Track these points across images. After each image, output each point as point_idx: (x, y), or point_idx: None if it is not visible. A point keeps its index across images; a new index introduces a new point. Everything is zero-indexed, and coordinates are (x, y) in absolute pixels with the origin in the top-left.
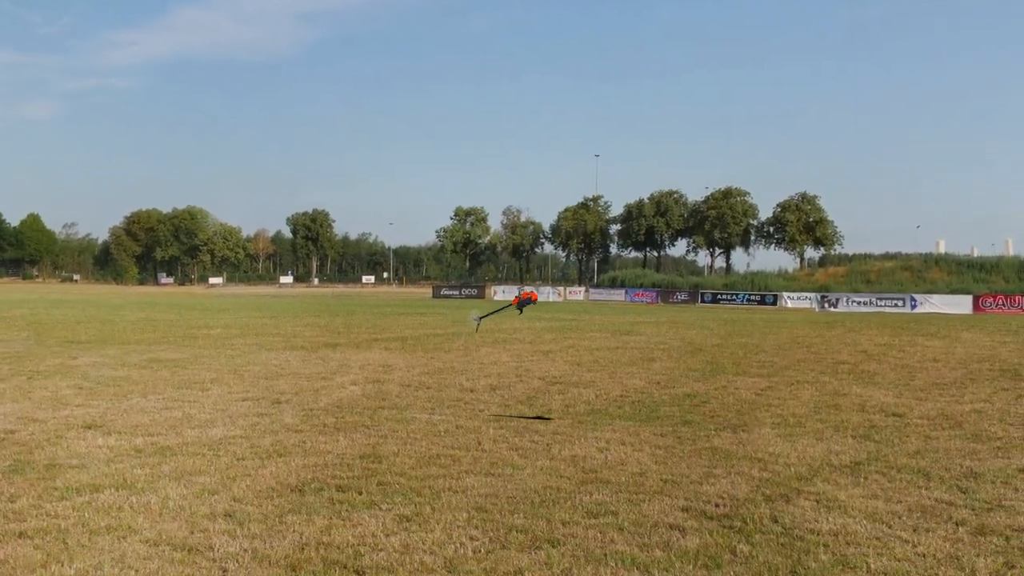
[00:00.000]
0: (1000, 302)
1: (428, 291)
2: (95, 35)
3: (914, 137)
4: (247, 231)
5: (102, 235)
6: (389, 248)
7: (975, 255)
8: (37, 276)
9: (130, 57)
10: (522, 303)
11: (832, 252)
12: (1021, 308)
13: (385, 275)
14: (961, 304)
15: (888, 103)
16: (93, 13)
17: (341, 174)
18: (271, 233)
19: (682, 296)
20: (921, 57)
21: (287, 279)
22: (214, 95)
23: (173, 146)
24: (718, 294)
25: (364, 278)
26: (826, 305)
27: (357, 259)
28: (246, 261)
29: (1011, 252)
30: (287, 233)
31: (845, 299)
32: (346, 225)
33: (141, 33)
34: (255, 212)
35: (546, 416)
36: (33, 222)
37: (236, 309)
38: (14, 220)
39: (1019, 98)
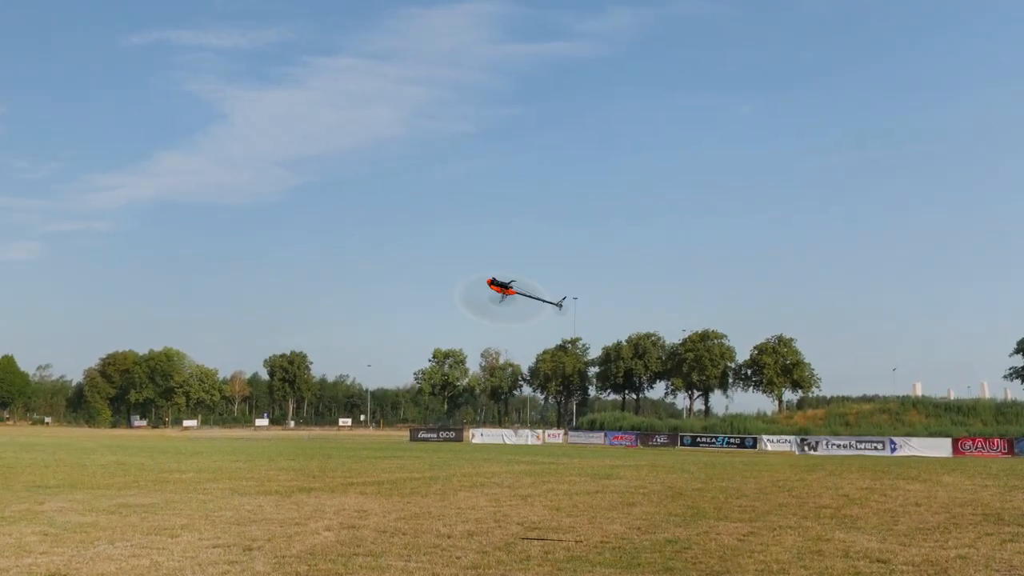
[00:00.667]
0: (979, 445)
1: (405, 434)
2: (79, 179)
3: (888, 281)
4: (224, 373)
5: (76, 377)
6: (367, 390)
7: (952, 398)
8: (8, 419)
9: (112, 201)
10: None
11: (810, 394)
12: (1000, 451)
13: (362, 417)
14: (940, 447)
15: (862, 248)
16: (79, 158)
17: (320, 317)
18: (248, 375)
19: (661, 439)
20: (893, 205)
21: (263, 422)
22: (195, 238)
23: (152, 288)
24: (697, 437)
25: (341, 420)
26: (806, 448)
27: (334, 401)
28: (222, 403)
29: (987, 395)
30: (264, 375)
31: (825, 442)
32: (324, 367)
33: (124, 177)
34: (232, 354)
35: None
36: (7, 364)
37: (210, 452)
38: None
39: (990, 245)
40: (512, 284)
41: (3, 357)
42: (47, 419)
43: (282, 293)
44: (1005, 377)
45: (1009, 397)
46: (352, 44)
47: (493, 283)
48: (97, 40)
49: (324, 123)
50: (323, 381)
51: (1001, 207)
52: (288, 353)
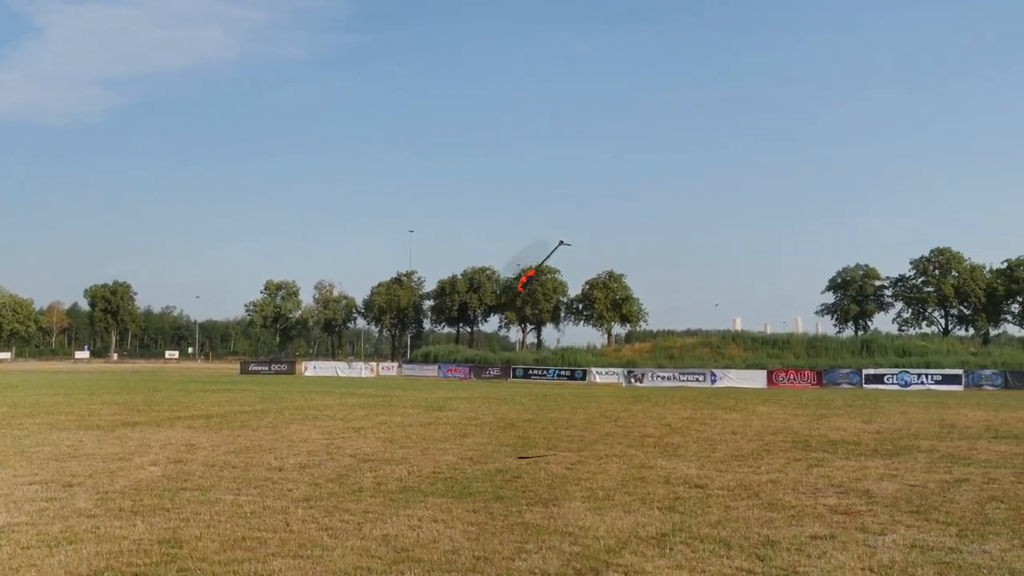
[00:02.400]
0: (791, 376)
1: (236, 367)
2: None
3: (713, 219)
4: (40, 303)
5: None
6: (195, 322)
7: (768, 332)
8: None
9: None
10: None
11: (638, 328)
12: (810, 382)
13: (190, 350)
14: (756, 379)
15: (687, 187)
16: None
17: (146, 245)
18: (67, 306)
19: (495, 371)
20: (719, 145)
21: (83, 354)
22: (5, 158)
23: None
24: (530, 369)
25: (167, 353)
26: (632, 380)
27: (160, 333)
28: (38, 335)
29: (800, 329)
30: (85, 306)
31: (650, 374)
32: (149, 298)
33: None
34: (50, 284)
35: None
36: None
37: (25, 386)
38: None
39: (808, 187)
40: (530, 267)
41: None
42: None
43: (104, 220)
44: (817, 313)
45: (820, 331)
46: None
47: (521, 280)
48: None
49: (149, 42)
50: (148, 313)
51: (821, 151)
52: (111, 283)
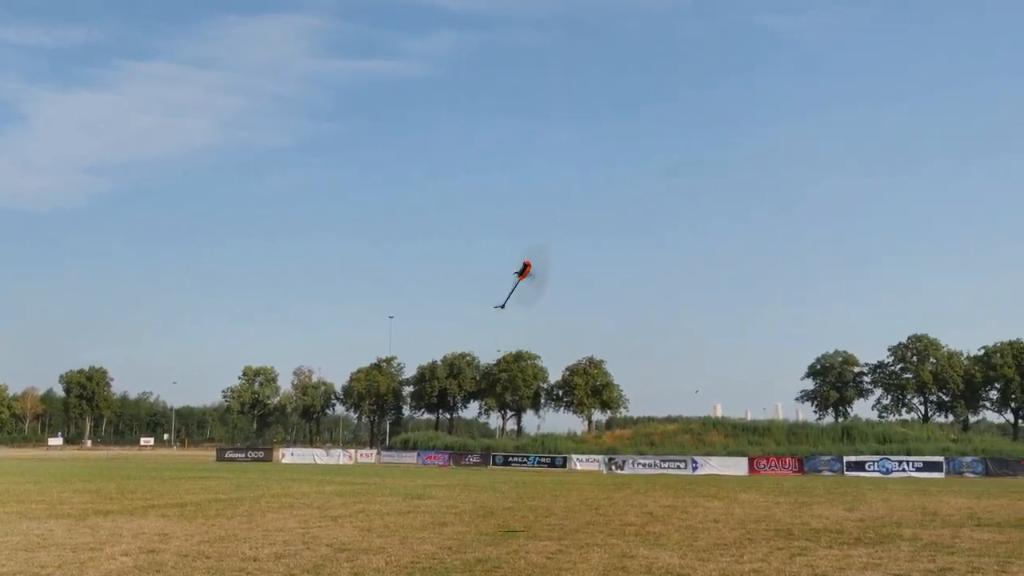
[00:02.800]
0: (773, 463)
1: (212, 454)
2: None
3: (692, 306)
4: (15, 389)
5: None
6: (171, 408)
7: (749, 418)
8: None
9: None
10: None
11: (618, 415)
12: (791, 469)
13: (166, 437)
14: (738, 466)
15: (669, 273)
16: None
17: (123, 331)
18: (41, 391)
19: (474, 458)
20: (697, 232)
21: (56, 440)
22: None
23: None
24: (509, 456)
25: (143, 440)
26: (613, 467)
27: (136, 420)
28: (11, 421)
29: (780, 416)
30: (60, 391)
31: (631, 461)
32: (126, 384)
33: None
34: (25, 369)
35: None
36: None
37: None
38: None
39: (784, 273)
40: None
41: None
42: None
43: (82, 305)
44: (797, 399)
45: (800, 418)
46: (167, 49)
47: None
48: None
49: (134, 129)
50: (124, 399)
51: (796, 237)
52: (87, 369)
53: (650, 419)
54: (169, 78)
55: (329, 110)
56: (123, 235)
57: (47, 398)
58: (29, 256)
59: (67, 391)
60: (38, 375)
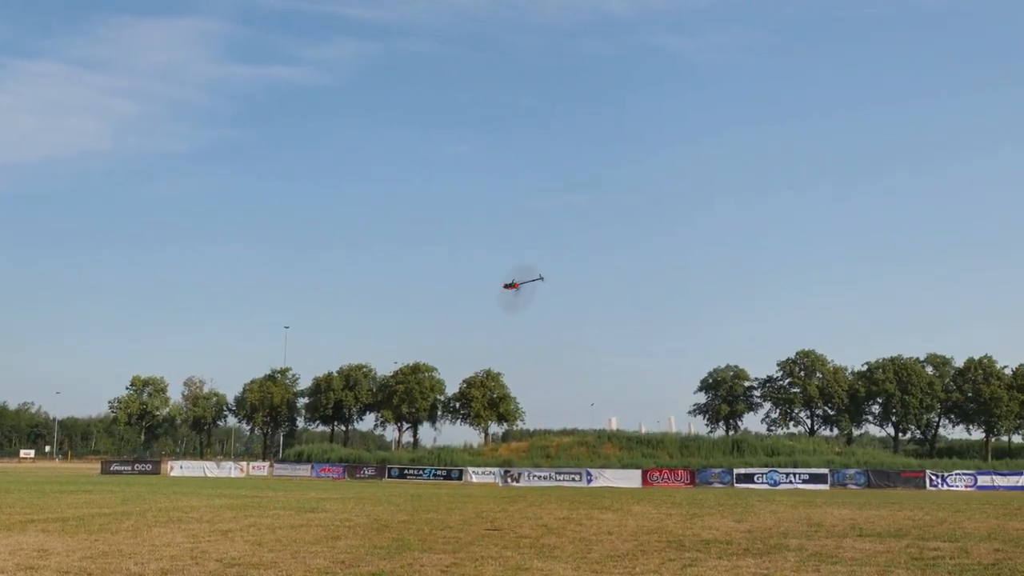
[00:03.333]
0: (665, 476)
1: (97, 466)
2: None
3: (589, 320)
4: None
5: None
6: (54, 419)
7: (643, 432)
8: None
9: None
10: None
11: (515, 427)
12: (683, 482)
13: (48, 449)
14: (631, 478)
15: (566, 287)
16: None
17: (3, 337)
18: None
19: (369, 471)
20: (596, 247)
21: None
22: None
23: None
24: (405, 469)
25: (23, 452)
26: (509, 480)
27: (15, 431)
28: None
29: (674, 429)
30: None
31: (527, 473)
32: (5, 393)
33: None
34: None
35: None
36: None
37: None
38: None
39: (679, 289)
40: (515, 279)
41: None
42: None
43: None
44: (690, 412)
45: (692, 431)
46: (56, 48)
47: (508, 286)
48: None
49: (20, 130)
50: (3, 409)
51: (691, 254)
52: None
53: (546, 432)
54: (57, 78)
55: (227, 116)
56: (6, 237)
57: None
58: None
59: None
60: None
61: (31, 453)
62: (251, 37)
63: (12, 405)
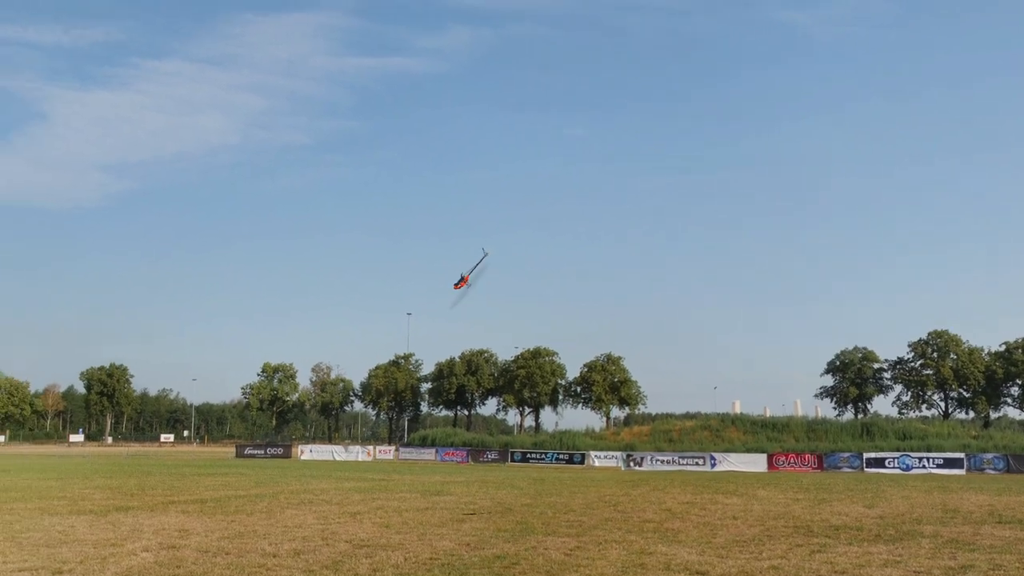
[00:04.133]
0: (791, 460)
1: (231, 450)
2: None
3: (711, 302)
4: (36, 386)
5: None
6: (191, 405)
7: (768, 415)
8: None
9: None
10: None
11: (636, 411)
12: (810, 466)
13: (186, 433)
14: (756, 462)
15: (686, 268)
16: None
17: (143, 328)
18: (63, 388)
19: (492, 455)
20: (716, 226)
21: (78, 437)
22: (6, 242)
23: None
24: (527, 453)
25: (163, 436)
26: (631, 464)
27: (156, 416)
28: (32, 418)
29: (799, 412)
30: (81, 388)
31: (649, 458)
32: (146, 380)
33: None
34: (46, 366)
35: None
36: None
37: (18, 470)
38: None
39: (803, 268)
40: (463, 273)
41: None
42: None
43: (102, 303)
44: (816, 396)
45: (819, 415)
46: (184, 48)
47: (457, 284)
48: None
49: (151, 128)
50: (144, 395)
51: (813, 233)
52: (107, 366)
53: (668, 416)
54: (185, 76)
55: (346, 108)
56: (141, 232)
57: (68, 395)
58: (47, 254)
59: (88, 388)
60: (59, 372)
61: (171, 437)
62: (368, 29)
63: (152, 392)
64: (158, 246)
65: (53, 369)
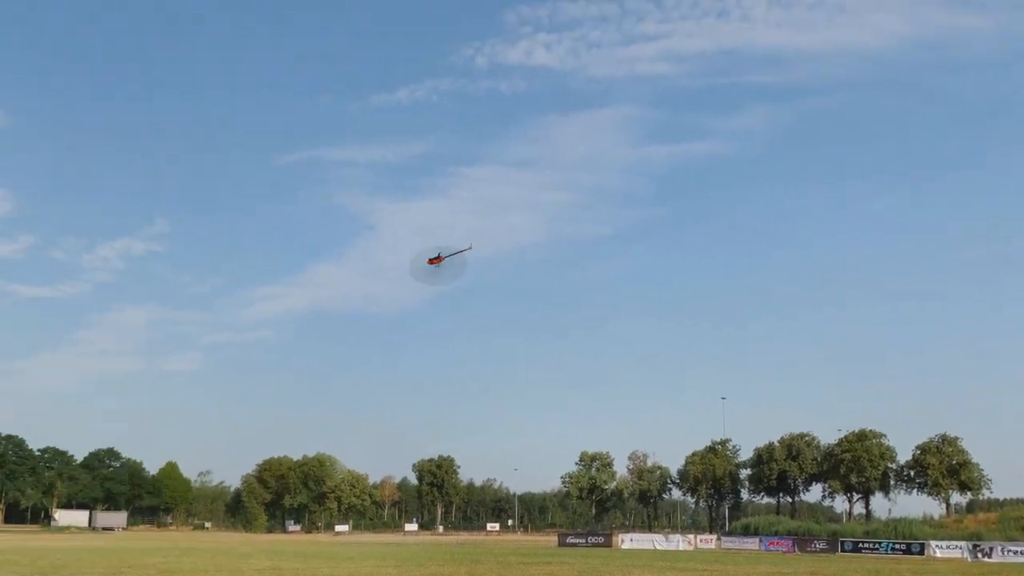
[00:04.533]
0: None
1: (553, 539)
2: (238, 292)
3: None
4: (374, 478)
5: (235, 482)
6: (514, 494)
7: None
8: (171, 523)
9: (268, 311)
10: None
11: (980, 496)
12: None
13: (510, 522)
14: None
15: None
16: (238, 271)
17: (466, 421)
18: (397, 480)
19: (820, 544)
20: None
21: (412, 526)
22: (344, 346)
23: (304, 395)
24: (859, 542)
25: (488, 525)
26: (979, 555)
27: (482, 506)
28: (372, 508)
29: None
30: (413, 480)
31: (1000, 548)
32: (471, 471)
33: (279, 288)
34: (381, 459)
35: None
36: (171, 470)
37: (361, 558)
38: (153, 469)
39: None
40: (440, 253)
41: (167, 464)
42: (207, 524)
43: (428, 398)
44: None
45: None
46: (492, 153)
47: (431, 260)
48: (253, 161)
49: (466, 230)
50: (471, 485)
51: None
52: (436, 457)
53: (1020, 501)
54: (495, 180)
55: (647, 196)
56: (459, 330)
57: (402, 486)
58: (378, 356)
59: (419, 479)
60: (393, 465)
61: (496, 526)
62: (665, 117)
63: (478, 482)
64: (476, 342)
65: (388, 462)
